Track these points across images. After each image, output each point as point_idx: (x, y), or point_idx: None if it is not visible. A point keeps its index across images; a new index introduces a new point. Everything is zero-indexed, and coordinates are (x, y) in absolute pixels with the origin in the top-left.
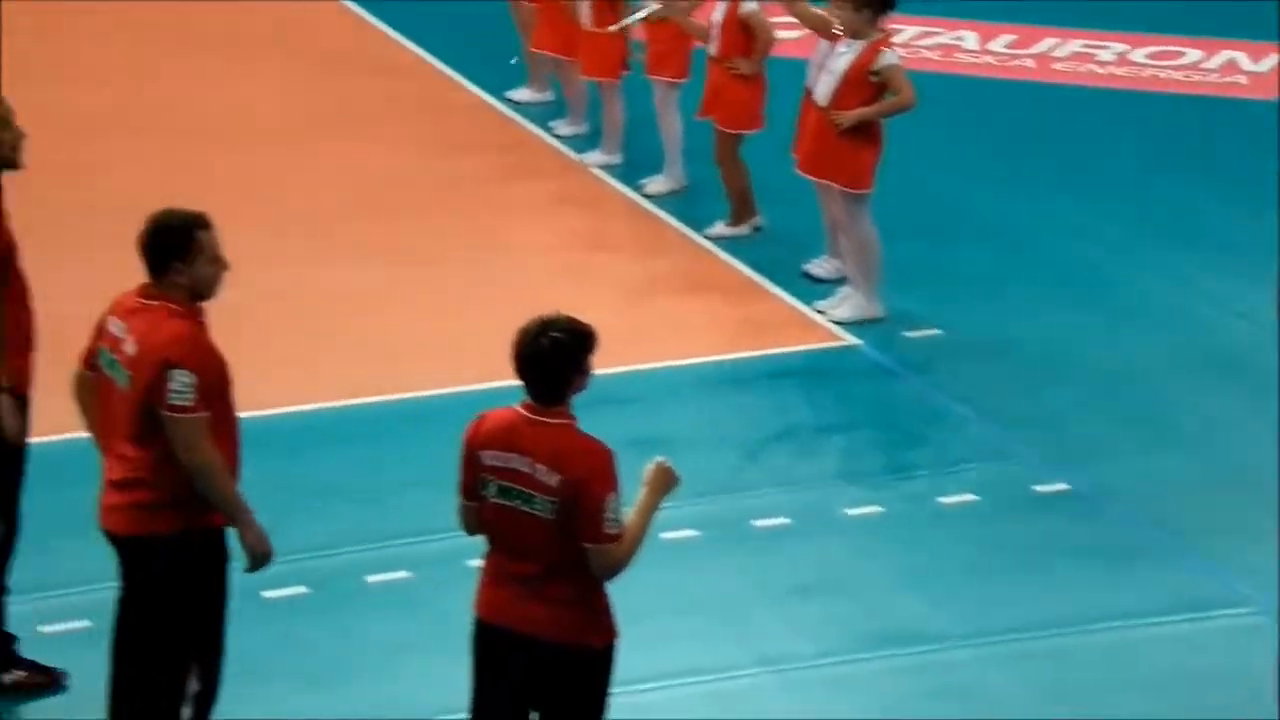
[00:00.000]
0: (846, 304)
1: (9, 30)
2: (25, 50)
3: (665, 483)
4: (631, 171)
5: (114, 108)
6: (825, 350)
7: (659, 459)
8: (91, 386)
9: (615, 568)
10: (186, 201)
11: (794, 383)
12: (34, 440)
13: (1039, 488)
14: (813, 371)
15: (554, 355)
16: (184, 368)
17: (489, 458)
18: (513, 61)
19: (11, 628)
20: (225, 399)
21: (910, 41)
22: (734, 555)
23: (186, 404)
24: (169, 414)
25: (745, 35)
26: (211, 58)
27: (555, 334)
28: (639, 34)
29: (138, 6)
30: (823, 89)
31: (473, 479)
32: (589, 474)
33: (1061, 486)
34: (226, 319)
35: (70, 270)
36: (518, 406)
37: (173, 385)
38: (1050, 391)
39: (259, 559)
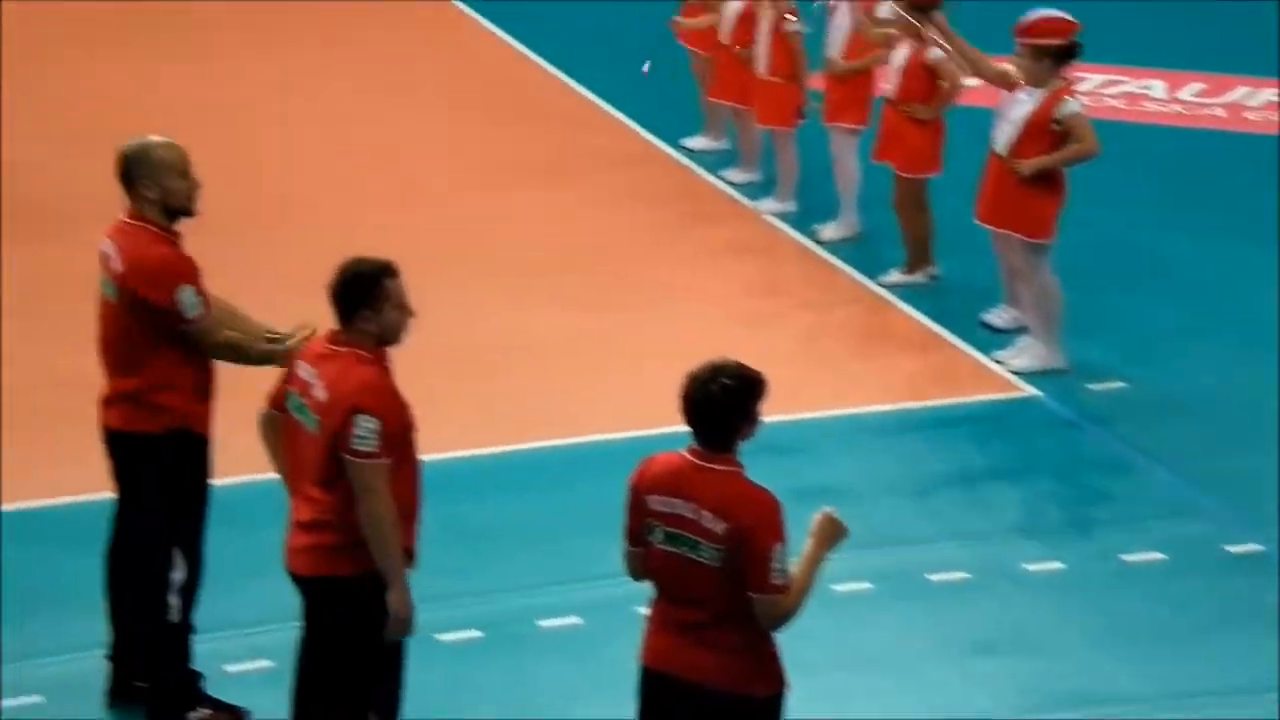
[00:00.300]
0: (1026, 354)
1: (217, 71)
2: (226, 93)
3: (832, 534)
4: (805, 218)
5: (317, 151)
6: (1004, 401)
7: (826, 509)
8: (279, 427)
9: (782, 618)
10: (377, 249)
11: (971, 433)
12: (219, 481)
13: (1230, 547)
14: (991, 422)
15: (722, 401)
16: (369, 414)
17: (655, 503)
18: (644, 70)
19: (197, 666)
20: (408, 445)
21: (1095, 90)
22: (909, 609)
23: (369, 450)
24: (352, 459)
25: (927, 80)
26: (404, 106)
27: (724, 379)
28: (816, 83)
29: (349, 52)
30: (1003, 137)
31: (639, 524)
32: (756, 523)
33: (1254, 547)
34: (410, 364)
35: (261, 314)
36: (685, 452)
37: (357, 431)
38: (1241, 448)
39: (400, 624)
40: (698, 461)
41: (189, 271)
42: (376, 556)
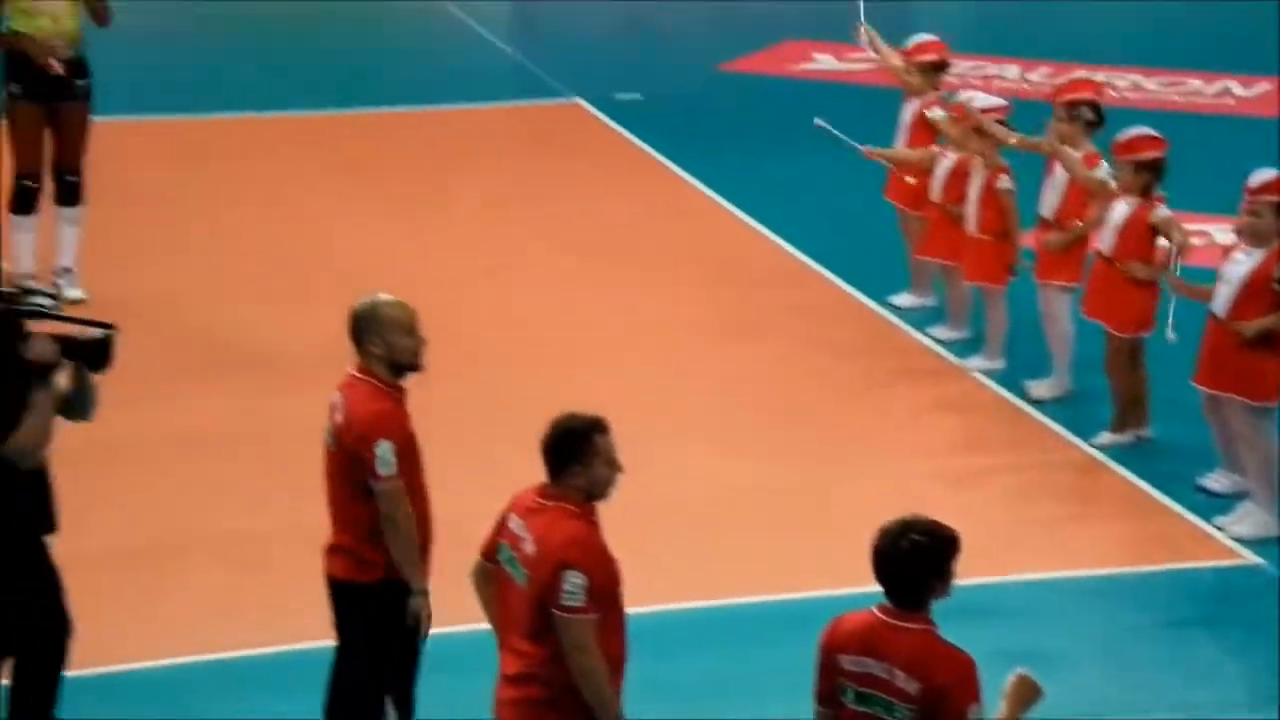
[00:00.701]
0: (1248, 520)
1: (439, 229)
2: (447, 249)
3: (1026, 696)
4: (1013, 375)
5: (529, 308)
6: (1224, 569)
7: (1020, 670)
8: (491, 577)
9: None
10: (586, 403)
11: (1189, 601)
12: (433, 630)
13: None
14: (1210, 590)
15: (913, 558)
16: (577, 569)
17: (846, 662)
18: (816, 123)
19: None
20: (615, 600)
21: None
22: None
23: (577, 605)
24: (560, 614)
25: (1147, 238)
26: (614, 267)
27: (915, 536)
28: (1028, 241)
29: (558, 212)
30: (1220, 299)
31: (830, 684)
32: (952, 683)
33: None
34: (615, 518)
35: (474, 465)
36: (875, 609)
37: (566, 586)
38: None
39: None
40: (889, 620)
41: (394, 428)
42: (594, 708)
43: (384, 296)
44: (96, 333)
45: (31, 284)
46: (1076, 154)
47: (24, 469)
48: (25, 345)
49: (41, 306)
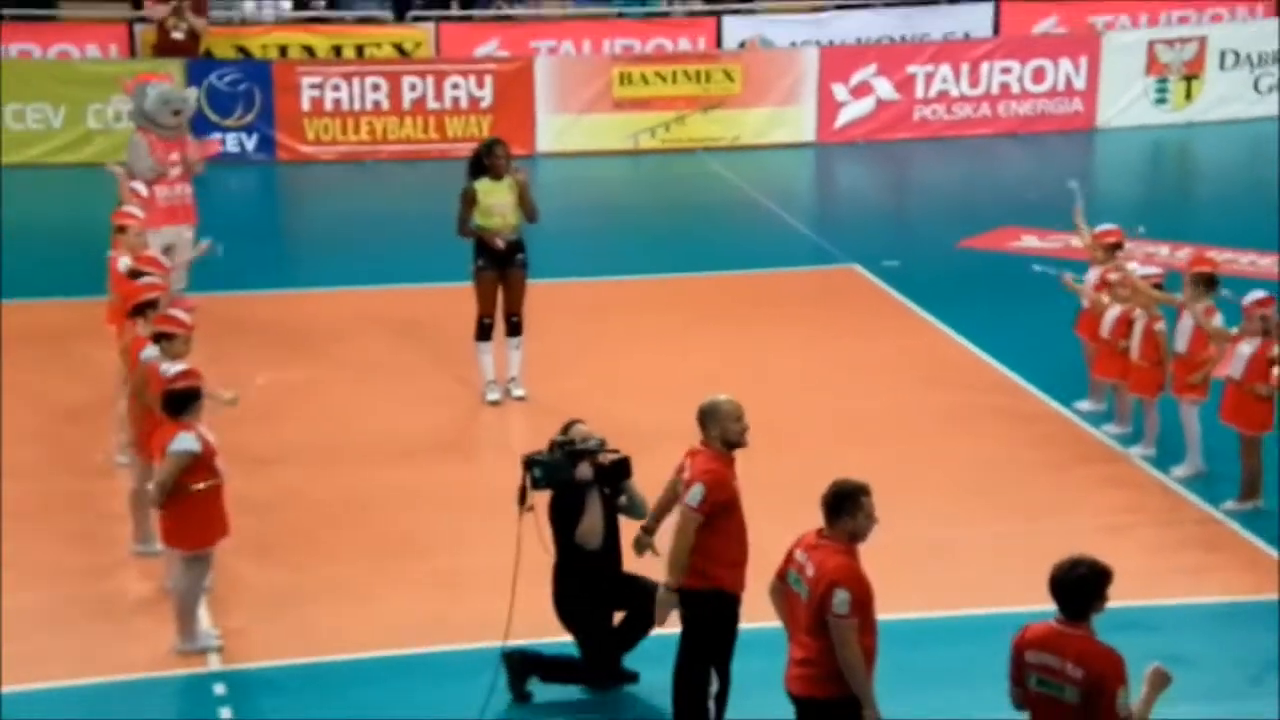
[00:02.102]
0: None
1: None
2: (750, 359)
3: (1159, 682)
4: (1163, 460)
5: (794, 404)
6: None
7: (1155, 664)
8: (782, 594)
9: None
10: (845, 472)
11: None
12: (746, 626)
13: None
14: None
15: (1080, 584)
16: (844, 587)
17: (1031, 657)
18: (1035, 269)
19: None
20: (868, 608)
21: None
22: None
23: (843, 614)
24: (833, 619)
25: (1266, 366)
26: (852, 376)
27: (1083, 569)
28: (1173, 366)
29: (831, 342)
30: None
31: (1019, 673)
32: (1106, 671)
33: None
34: (871, 552)
35: (770, 514)
36: (1053, 621)
37: (835, 600)
38: None
39: None
40: (1062, 628)
41: (708, 478)
42: (853, 686)
43: (721, 396)
44: (617, 456)
45: (584, 432)
46: (1199, 307)
47: (587, 550)
48: (574, 470)
49: (588, 448)
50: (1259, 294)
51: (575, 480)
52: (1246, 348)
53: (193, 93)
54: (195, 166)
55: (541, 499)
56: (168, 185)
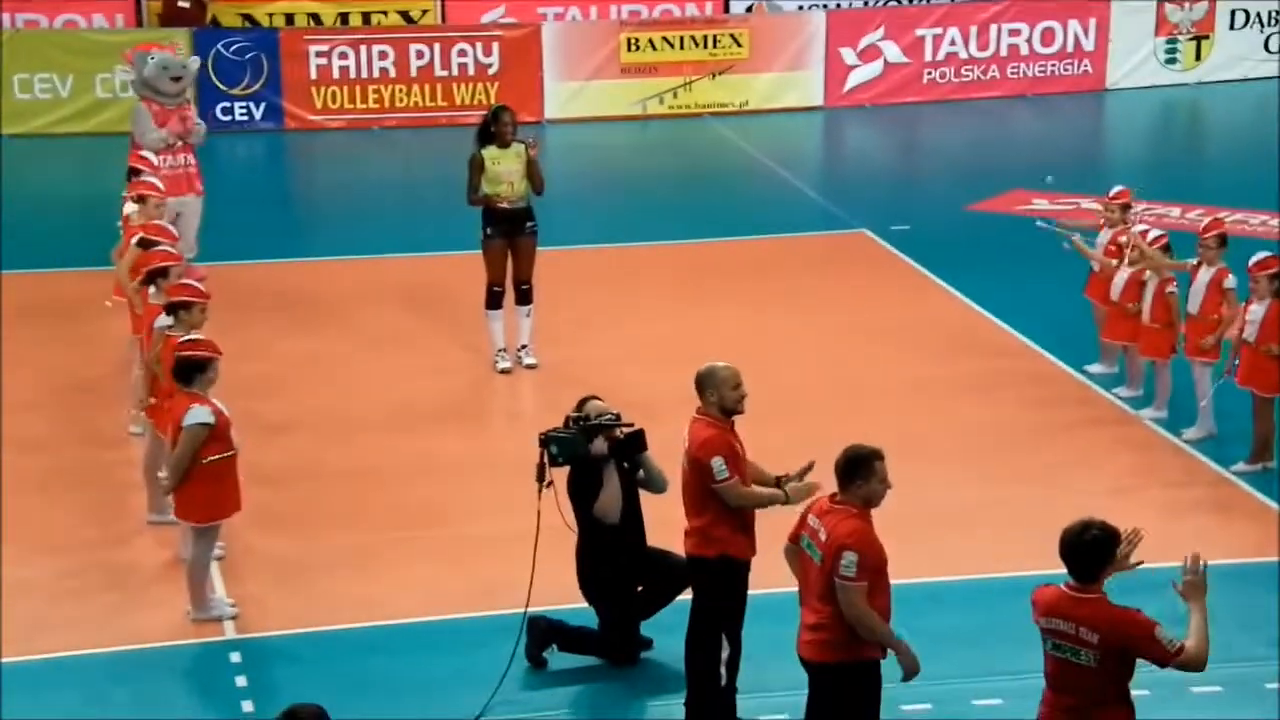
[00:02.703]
0: None
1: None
2: (760, 333)
3: (1200, 586)
4: (1174, 422)
5: (810, 367)
6: None
7: (1173, 582)
8: (795, 556)
9: (1202, 663)
10: (861, 437)
11: None
12: (756, 591)
13: None
14: None
15: (1090, 547)
16: (853, 550)
17: (1043, 622)
18: (1039, 225)
19: (740, 716)
20: (881, 572)
21: None
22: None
23: (851, 576)
24: (840, 581)
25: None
26: (871, 344)
27: (1094, 532)
28: (1185, 328)
29: (838, 306)
30: None
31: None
32: (1123, 630)
33: None
34: (886, 516)
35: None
36: (1063, 585)
37: (844, 563)
38: None
39: (911, 673)
40: (1073, 593)
41: (723, 448)
42: (877, 639)
43: (719, 363)
44: (632, 430)
45: (599, 407)
46: (1212, 270)
47: (607, 525)
48: (591, 445)
49: (604, 423)
50: (1262, 255)
51: (592, 455)
52: (1259, 309)
53: (195, 61)
54: (193, 136)
55: (560, 476)
56: (170, 155)
